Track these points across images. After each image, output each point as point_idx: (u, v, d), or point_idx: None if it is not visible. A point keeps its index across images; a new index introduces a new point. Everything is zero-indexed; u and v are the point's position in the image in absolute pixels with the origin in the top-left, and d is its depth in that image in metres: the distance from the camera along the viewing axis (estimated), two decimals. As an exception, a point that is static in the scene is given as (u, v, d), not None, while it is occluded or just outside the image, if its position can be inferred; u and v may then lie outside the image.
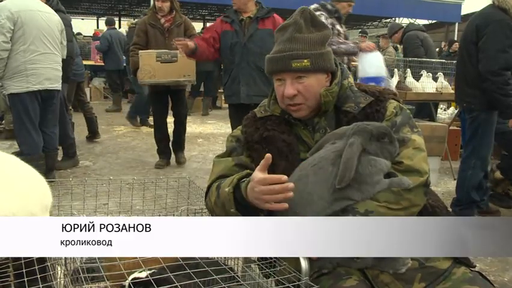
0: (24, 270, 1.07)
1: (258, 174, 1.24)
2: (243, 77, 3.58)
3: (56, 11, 4.01)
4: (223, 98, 7.79)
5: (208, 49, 3.62)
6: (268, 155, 1.25)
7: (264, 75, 3.38)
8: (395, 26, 6.25)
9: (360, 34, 10.34)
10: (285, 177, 1.21)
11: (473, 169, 3.35)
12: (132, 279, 1.16)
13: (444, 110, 6.05)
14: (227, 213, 1.32)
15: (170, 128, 4.75)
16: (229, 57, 3.61)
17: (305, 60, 1.34)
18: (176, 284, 1.01)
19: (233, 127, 3.62)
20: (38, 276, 1.06)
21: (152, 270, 1.18)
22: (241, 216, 1.25)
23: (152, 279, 1.04)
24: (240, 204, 1.30)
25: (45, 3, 3.93)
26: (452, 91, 4.37)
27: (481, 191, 3.43)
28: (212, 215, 1.43)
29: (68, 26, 4.45)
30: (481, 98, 3.20)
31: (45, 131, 3.82)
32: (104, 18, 10.53)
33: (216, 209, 1.37)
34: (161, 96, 4.62)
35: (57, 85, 3.80)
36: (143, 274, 1.17)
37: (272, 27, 3.46)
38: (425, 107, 5.17)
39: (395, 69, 4.75)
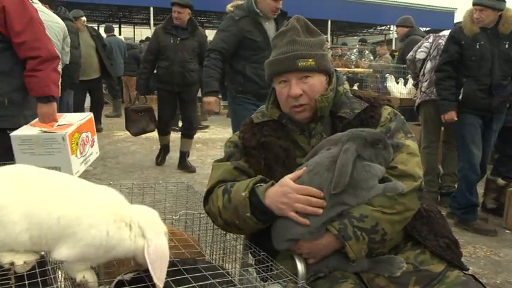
0: (25, 273, 1.08)
1: (290, 182, 1.27)
2: None
3: (63, 19, 4.15)
4: (221, 104, 7.80)
5: None
6: (305, 168, 1.28)
7: None
8: (407, 21, 5.82)
9: (360, 43, 10.43)
10: (322, 193, 1.24)
11: (461, 172, 3.44)
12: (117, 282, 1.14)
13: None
14: (240, 217, 1.32)
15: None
16: None
17: (310, 60, 1.37)
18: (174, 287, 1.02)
19: None
20: (39, 279, 1.07)
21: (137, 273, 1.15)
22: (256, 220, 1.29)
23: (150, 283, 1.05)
24: (256, 208, 1.30)
25: (54, 12, 4.04)
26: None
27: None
28: (214, 219, 1.43)
29: (74, 33, 4.58)
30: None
31: None
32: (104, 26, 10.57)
33: (225, 213, 1.36)
34: None
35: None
36: (128, 276, 1.14)
37: None
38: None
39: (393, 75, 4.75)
